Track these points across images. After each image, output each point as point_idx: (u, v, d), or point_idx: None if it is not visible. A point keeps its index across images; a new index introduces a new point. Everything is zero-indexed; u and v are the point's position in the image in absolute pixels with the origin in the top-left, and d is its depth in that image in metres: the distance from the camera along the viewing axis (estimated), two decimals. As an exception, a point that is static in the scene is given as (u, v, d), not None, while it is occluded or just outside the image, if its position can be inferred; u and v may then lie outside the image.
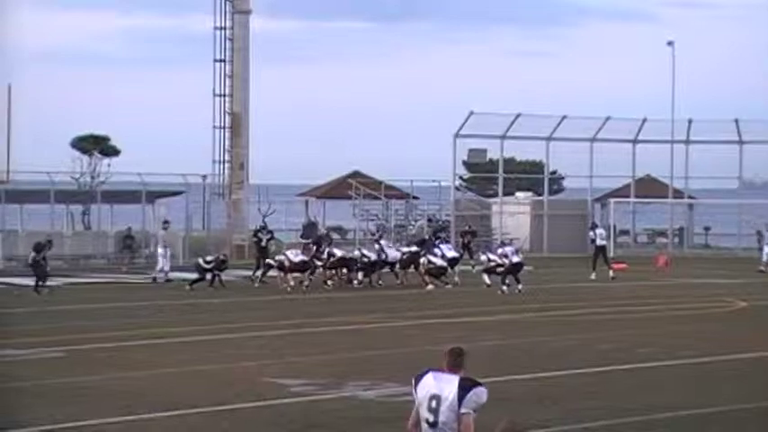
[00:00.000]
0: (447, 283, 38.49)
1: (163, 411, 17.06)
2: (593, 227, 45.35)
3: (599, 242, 43.27)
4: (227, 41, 53.76)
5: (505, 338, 25.79)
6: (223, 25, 53.84)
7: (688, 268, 47.52)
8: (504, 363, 21.50)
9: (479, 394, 9.44)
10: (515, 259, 37.29)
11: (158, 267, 41.60)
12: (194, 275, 38.32)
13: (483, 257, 39.54)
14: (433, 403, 9.44)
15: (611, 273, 42.17)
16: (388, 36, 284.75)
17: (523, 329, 27.64)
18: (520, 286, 36.40)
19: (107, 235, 50.48)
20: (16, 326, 27.34)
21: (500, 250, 38.80)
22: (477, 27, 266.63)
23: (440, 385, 9.50)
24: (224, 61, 53.79)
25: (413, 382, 9.75)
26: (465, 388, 9.42)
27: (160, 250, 41.92)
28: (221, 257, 38.78)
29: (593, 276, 41.74)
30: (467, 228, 50.58)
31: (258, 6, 55.80)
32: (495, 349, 24.12)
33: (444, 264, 39.09)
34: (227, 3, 53.80)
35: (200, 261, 38.68)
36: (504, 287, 36.32)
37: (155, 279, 41.04)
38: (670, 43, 60.44)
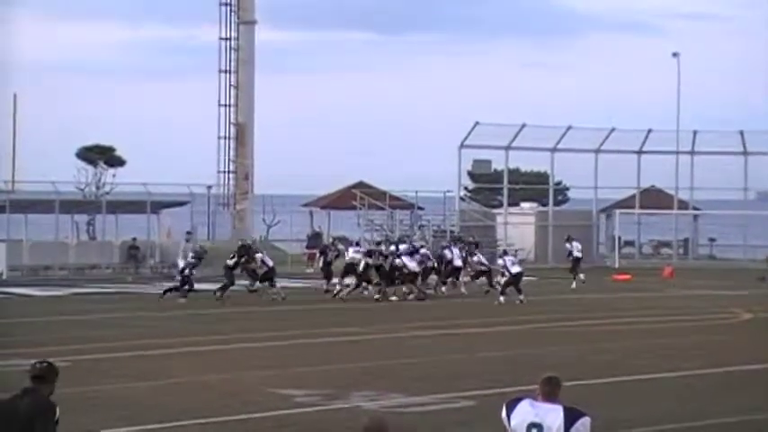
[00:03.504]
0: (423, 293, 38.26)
1: (168, 422, 17.09)
2: (569, 239, 45.71)
3: (576, 254, 44.23)
4: (233, 52, 53.86)
5: (507, 350, 25.78)
6: (228, 36, 53.98)
7: (693, 279, 47.49)
8: (504, 374, 21.50)
9: (586, 425, 9.21)
10: (515, 270, 37.02)
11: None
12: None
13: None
14: None
15: (573, 284, 42.44)
16: (393, 47, 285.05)
17: (525, 341, 27.62)
18: (521, 297, 36.37)
19: (112, 245, 50.53)
20: (22, 335, 27.37)
21: (500, 260, 38.78)
22: (481, 38, 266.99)
23: (540, 414, 9.17)
24: (229, 72, 53.92)
25: (504, 407, 9.36)
26: (572, 418, 9.16)
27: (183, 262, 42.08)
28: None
29: (573, 286, 42.11)
30: (470, 239, 50.56)
31: (262, 17, 55.89)
32: (496, 360, 24.14)
33: (417, 270, 38.58)
34: (233, 14, 53.92)
35: (229, 263, 37.78)
36: (502, 298, 36.25)
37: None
38: (675, 55, 60.57)
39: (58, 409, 9.80)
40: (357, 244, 40.98)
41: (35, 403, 9.79)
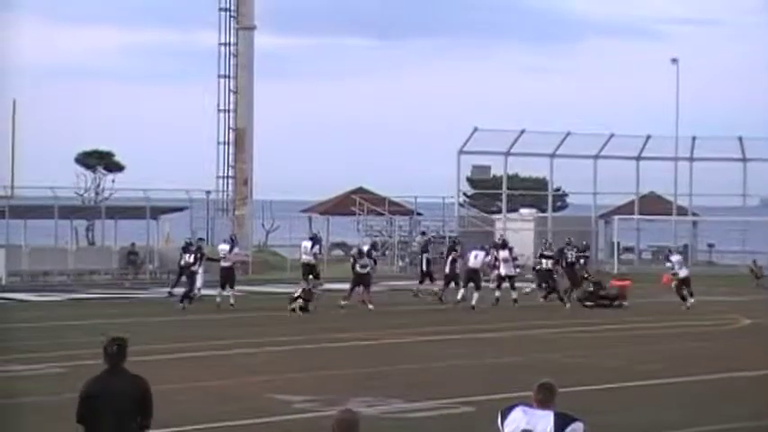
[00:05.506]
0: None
1: (166, 427, 16.99)
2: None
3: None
4: (232, 57, 53.82)
5: (512, 355, 25.74)
6: (228, 41, 53.93)
7: (692, 285, 47.31)
8: (510, 379, 21.43)
9: (577, 430, 9.08)
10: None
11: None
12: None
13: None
14: None
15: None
16: (392, 52, 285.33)
17: (530, 346, 27.56)
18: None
19: (111, 250, 50.47)
20: (21, 341, 27.31)
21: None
22: (481, 43, 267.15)
23: (531, 420, 9.11)
24: (228, 77, 53.86)
25: (499, 415, 9.32)
26: (563, 423, 9.05)
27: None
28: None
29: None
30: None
31: (262, 23, 55.86)
32: (502, 366, 24.09)
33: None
34: (232, 19, 53.89)
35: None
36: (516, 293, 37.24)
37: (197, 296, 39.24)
38: (674, 60, 60.53)
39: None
40: (313, 242, 40.53)
41: (135, 383, 10.93)
